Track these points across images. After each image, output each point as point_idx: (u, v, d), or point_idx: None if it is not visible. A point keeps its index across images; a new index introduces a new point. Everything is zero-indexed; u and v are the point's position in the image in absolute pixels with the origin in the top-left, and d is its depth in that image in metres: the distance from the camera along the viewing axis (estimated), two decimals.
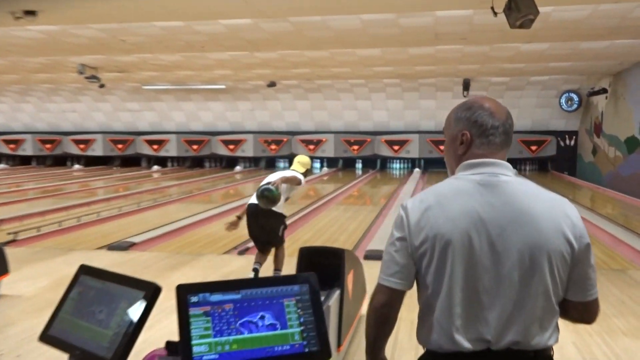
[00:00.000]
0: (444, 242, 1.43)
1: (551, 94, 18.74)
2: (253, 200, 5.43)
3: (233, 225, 5.57)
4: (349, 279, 3.69)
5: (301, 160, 5.82)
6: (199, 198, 12.96)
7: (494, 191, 1.46)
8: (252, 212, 5.39)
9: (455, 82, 17.56)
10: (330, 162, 21.50)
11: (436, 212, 1.45)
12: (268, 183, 5.17)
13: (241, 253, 6.89)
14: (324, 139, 21.07)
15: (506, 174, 1.51)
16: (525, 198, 1.46)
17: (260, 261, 5.50)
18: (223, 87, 18.98)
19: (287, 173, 5.56)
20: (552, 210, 1.44)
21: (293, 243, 7.50)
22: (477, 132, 1.53)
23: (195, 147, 22.21)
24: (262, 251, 5.52)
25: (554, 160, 19.87)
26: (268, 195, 5.09)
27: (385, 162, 21.60)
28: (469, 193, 1.47)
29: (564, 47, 11.59)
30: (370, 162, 21.41)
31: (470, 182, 1.49)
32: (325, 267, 3.65)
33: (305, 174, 5.70)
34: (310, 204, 11.52)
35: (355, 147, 20.85)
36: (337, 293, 3.40)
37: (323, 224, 9.34)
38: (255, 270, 5.39)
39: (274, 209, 5.32)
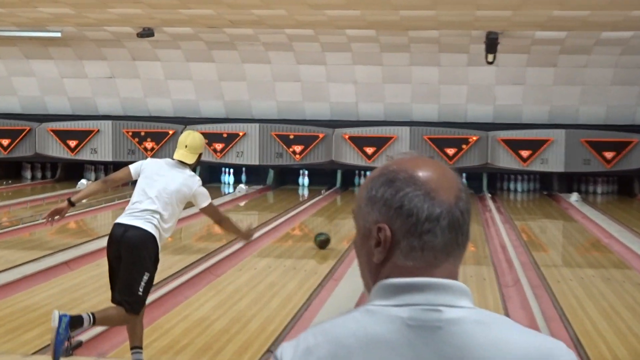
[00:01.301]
0: None
1: (639, 62, 19.29)
2: (122, 220, 6.09)
3: (58, 213, 6.22)
4: None
5: (192, 144, 6.29)
6: (9, 238, 12.85)
7: (432, 341, 1.48)
8: (117, 239, 6.03)
9: (473, 37, 17.93)
10: (253, 174, 21.60)
11: None
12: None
13: (66, 354, 6.75)
14: (240, 133, 21.12)
15: (455, 305, 1.53)
16: (486, 352, 1.49)
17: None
18: (58, 35, 18.89)
19: (189, 182, 6.30)
20: None
21: (172, 328, 7.43)
22: (403, 227, 1.53)
23: (5, 142, 21.92)
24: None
25: None
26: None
27: (350, 175, 21.81)
28: (390, 345, 1.49)
29: None
30: (323, 176, 21.62)
31: (393, 321, 1.50)
32: None
33: (195, 166, 6.50)
34: (209, 253, 11.55)
35: (298, 147, 20.94)
36: None
37: (224, 296, 9.32)
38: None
39: (152, 232, 5.98)
